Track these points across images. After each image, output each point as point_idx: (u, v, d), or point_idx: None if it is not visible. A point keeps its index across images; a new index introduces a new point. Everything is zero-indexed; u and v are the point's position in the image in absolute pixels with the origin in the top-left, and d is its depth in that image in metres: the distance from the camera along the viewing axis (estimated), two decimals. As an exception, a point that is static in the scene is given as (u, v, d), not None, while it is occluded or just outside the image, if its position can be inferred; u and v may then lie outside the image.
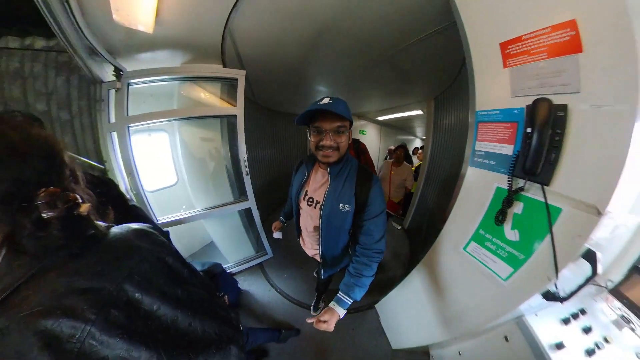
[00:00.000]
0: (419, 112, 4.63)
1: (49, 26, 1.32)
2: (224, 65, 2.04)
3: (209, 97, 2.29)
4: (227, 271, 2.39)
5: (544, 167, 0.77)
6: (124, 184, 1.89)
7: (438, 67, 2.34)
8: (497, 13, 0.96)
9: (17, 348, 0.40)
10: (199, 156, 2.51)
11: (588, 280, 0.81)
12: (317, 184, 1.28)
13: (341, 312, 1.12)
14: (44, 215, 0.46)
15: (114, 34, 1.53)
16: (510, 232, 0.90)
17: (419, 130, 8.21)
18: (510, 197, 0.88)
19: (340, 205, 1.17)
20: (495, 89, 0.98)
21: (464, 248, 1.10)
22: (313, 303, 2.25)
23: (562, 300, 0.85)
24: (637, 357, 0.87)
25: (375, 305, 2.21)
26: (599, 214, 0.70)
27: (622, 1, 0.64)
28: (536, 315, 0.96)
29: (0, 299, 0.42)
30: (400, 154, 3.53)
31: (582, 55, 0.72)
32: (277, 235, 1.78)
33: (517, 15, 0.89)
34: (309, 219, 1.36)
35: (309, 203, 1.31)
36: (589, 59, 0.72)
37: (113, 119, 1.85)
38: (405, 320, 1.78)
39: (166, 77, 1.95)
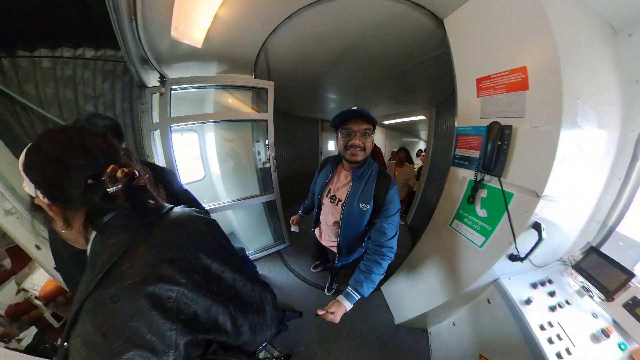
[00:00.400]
0: (422, 117, 4.98)
1: (100, 38, 1.62)
2: (255, 76, 2.40)
3: (237, 103, 2.65)
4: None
5: (496, 165, 1.15)
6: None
7: (438, 80, 2.70)
8: (476, 55, 1.34)
9: (129, 311, 0.46)
10: (230, 154, 2.89)
11: (538, 244, 1.11)
12: (341, 184, 1.40)
13: (348, 306, 1.19)
14: (109, 190, 0.52)
15: (163, 45, 1.78)
16: (480, 211, 1.28)
17: (423, 133, 8.56)
18: (476, 185, 1.26)
19: (361, 205, 1.29)
20: (470, 111, 1.37)
21: (450, 225, 1.48)
22: (327, 284, 2.46)
23: (522, 259, 1.17)
24: (593, 316, 1.14)
25: (381, 287, 2.51)
26: (538, 196, 1.07)
27: (556, 56, 1.01)
28: (509, 279, 1.27)
29: (103, 272, 0.49)
30: (402, 156, 3.87)
31: (528, 93, 1.10)
32: (294, 229, 1.95)
33: (488, 58, 1.27)
34: (330, 214, 1.49)
35: (332, 200, 1.44)
36: (532, 95, 1.10)
37: (155, 120, 2.14)
38: (406, 295, 2.11)
39: (204, 84, 2.29)
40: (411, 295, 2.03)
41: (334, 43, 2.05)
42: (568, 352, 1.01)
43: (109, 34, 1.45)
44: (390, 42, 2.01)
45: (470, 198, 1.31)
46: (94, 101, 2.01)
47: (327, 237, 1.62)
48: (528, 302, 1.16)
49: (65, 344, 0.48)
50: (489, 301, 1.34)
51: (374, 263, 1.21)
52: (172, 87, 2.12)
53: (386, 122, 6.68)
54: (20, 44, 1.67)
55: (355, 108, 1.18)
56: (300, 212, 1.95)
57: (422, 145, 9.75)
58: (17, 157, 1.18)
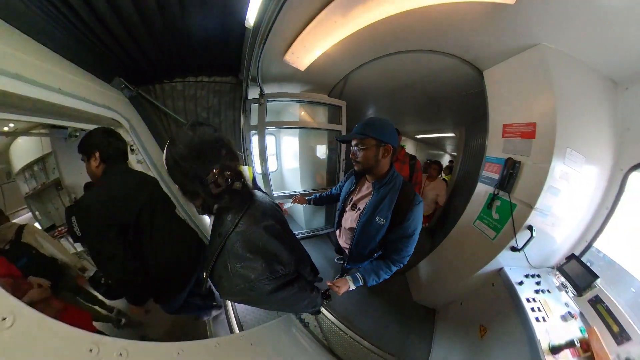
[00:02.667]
0: (452, 134, 5.51)
1: (212, 69, 2.42)
2: (328, 95, 3.11)
3: (306, 115, 3.37)
4: (300, 235, 3.47)
5: (508, 185, 1.78)
6: (260, 167, 3.00)
7: (469, 107, 3.22)
8: (505, 104, 1.97)
9: (254, 236, 0.81)
10: (307, 154, 3.63)
11: (530, 239, 1.69)
12: (362, 194, 1.51)
13: (352, 286, 1.35)
14: (213, 192, 0.78)
15: (270, 67, 2.34)
16: (495, 214, 1.90)
17: (449, 148, 8.96)
18: (494, 197, 1.89)
19: (377, 218, 1.34)
20: (496, 147, 2.00)
21: (473, 223, 2.10)
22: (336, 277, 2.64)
23: (519, 250, 1.73)
24: (565, 305, 1.56)
25: (405, 273, 3.04)
26: (531, 207, 1.68)
27: (554, 114, 1.60)
28: (510, 269, 1.79)
29: (230, 232, 0.81)
30: (434, 170, 3.78)
31: (534, 141, 1.71)
32: (287, 206, 2.41)
33: (512, 110, 1.89)
34: (349, 219, 1.59)
35: (352, 208, 1.55)
36: (536, 142, 1.71)
37: (253, 123, 2.89)
38: (425, 280, 2.67)
39: (291, 99, 3.03)
40: (430, 280, 2.61)
41: (397, 80, 2.71)
42: (544, 319, 1.45)
43: (220, 66, 2.34)
44: (440, 81, 2.64)
45: (489, 205, 1.93)
46: (207, 110, 2.77)
47: (344, 239, 1.73)
48: (520, 283, 1.67)
49: (205, 274, 0.87)
50: (493, 284, 1.89)
51: (383, 267, 1.37)
52: (269, 99, 2.86)
53: (418, 137, 7.24)
54: (165, 75, 2.47)
55: (358, 124, 1.34)
56: (312, 197, 2.04)
57: (447, 158, 10.08)
58: (161, 148, 1.91)
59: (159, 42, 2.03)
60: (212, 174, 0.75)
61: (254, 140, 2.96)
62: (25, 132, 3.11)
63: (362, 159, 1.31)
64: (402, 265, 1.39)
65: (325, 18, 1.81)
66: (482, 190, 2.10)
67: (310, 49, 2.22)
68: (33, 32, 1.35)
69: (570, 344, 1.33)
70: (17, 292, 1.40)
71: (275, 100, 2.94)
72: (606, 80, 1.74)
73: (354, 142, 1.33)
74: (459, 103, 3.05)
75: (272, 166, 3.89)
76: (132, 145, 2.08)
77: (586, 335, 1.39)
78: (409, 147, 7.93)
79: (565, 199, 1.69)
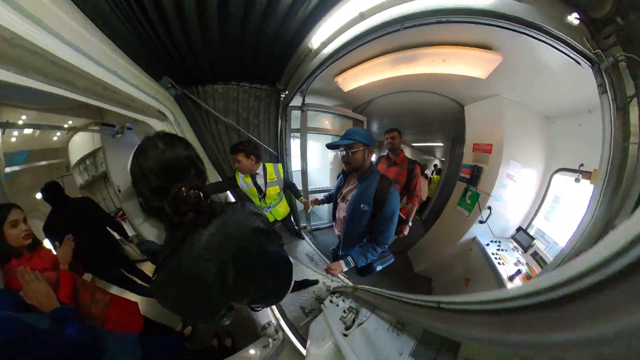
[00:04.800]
0: (441, 144, 6.67)
1: (253, 78, 3.20)
2: (353, 111, 4.15)
3: (329, 124, 4.38)
4: (323, 226, 4.47)
5: (475, 181, 2.90)
6: (300, 165, 3.98)
7: (452, 124, 4.38)
8: (476, 129, 3.07)
9: (246, 214, 0.86)
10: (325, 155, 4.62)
11: (489, 215, 2.81)
12: (349, 187, 1.74)
13: (344, 268, 1.56)
14: (180, 209, 0.71)
15: (320, 84, 3.20)
16: (468, 200, 2.99)
17: (438, 154, 10.19)
18: (466, 189, 3.02)
19: (361, 205, 1.55)
20: (468, 157, 3.12)
21: (455, 207, 3.18)
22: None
23: (484, 222, 2.82)
24: (517, 259, 2.57)
25: (408, 252, 4.08)
26: (489, 195, 2.78)
27: (501, 139, 2.73)
28: (480, 237, 2.86)
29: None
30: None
31: (491, 155, 2.81)
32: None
33: (481, 132, 2.99)
34: (341, 211, 1.82)
35: (343, 200, 1.80)
36: (492, 156, 2.81)
37: (294, 127, 3.73)
38: (423, 253, 3.72)
39: (328, 111, 4.00)
40: (427, 253, 3.65)
41: (405, 105, 3.79)
42: (503, 264, 2.46)
43: (261, 75, 2.73)
44: (435, 109, 3.73)
45: (464, 195, 3.03)
46: (247, 111, 3.09)
47: (338, 228, 1.97)
48: (487, 245, 2.76)
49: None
50: (470, 249, 2.96)
51: (370, 249, 1.61)
52: (309, 108, 3.72)
53: (414, 144, 8.45)
54: (208, 79, 2.75)
55: (344, 132, 1.60)
56: (324, 197, 2.29)
57: (435, 162, 11.33)
58: (201, 144, 2.71)
59: (212, 48, 2.16)
60: (180, 192, 0.70)
61: (294, 142, 3.80)
62: (82, 128, 3.49)
63: (354, 161, 1.55)
64: (386, 247, 1.64)
65: (381, 64, 2.82)
66: (460, 185, 3.20)
67: (360, 79, 3.24)
68: (98, 21, 1.43)
69: (518, 272, 2.36)
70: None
71: (314, 110, 3.83)
72: (541, 116, 2.79)
73: (343, 148, 1.56)
74: (448, 124, 4.15)
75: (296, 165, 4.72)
76: None
77: (529, 272, 2.45)
78: (406, 152, 9.04)
79: (512, 191, 2.79)
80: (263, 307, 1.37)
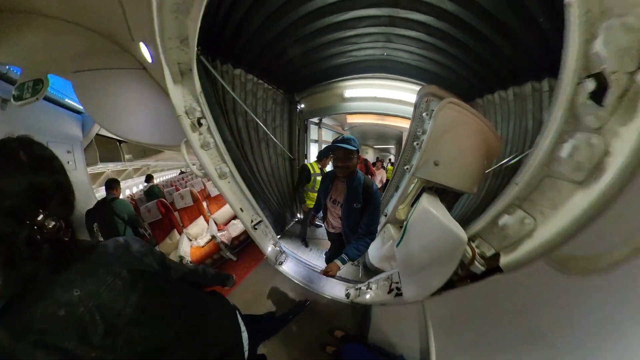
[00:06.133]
0: (392, 146, 9.47)
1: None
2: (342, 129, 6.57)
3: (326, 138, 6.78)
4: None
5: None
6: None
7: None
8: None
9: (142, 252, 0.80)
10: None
11: None
12: (339, 191, 1.94)
13: (341, 266, 1.71)
14: (35, 238, 0.55)
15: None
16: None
17: (392, 152, 12.96)
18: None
19: (354, 204, 1.79)
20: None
21: (401, 185, 5.85)
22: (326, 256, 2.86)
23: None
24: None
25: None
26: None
27: None
28: None
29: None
30: (380, 164, 6.35)
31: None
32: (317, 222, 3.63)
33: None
34: (333, 212, 2.08)
35: (334, 203, 2.01)
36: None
37: (313, 138, 5.74)
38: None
39: (332, 129, 6.27)
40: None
41: (370, 132, 6.36)
42: None
43: (281, 77, 2.86)
44: (389, 130, 6.41)
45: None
46: (264, 113, 3.07)
47: (332, 226, 2.19)
48: None
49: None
50: None
51: (363, 241, 1.78)
52: (324, 126, 6.07)
53: (376, 146, 11.16)
54: (229, 55, 2.34)
55: (341, 138, 1.67)
56: (314, 212, 2.49)
57: (390, 157, 14.03)
58: (223, 129, 2.44)
59: (250, 24, 2.01)
60: (40, 218, 0.56)
61: (314, 149, 5.82)
62: None
63: (353, 166, 1.70)
64: (374, 236, 1.81)
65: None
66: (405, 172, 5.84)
67: (358, 119, 5.76)
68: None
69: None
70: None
71: (325, 127, 6.20)
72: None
73: (342, 154, 1.67)
74: (395, 136, 6.85)
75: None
76: (202, 118, 1.79)
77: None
78: (371, 154, 11.76)
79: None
80: None
